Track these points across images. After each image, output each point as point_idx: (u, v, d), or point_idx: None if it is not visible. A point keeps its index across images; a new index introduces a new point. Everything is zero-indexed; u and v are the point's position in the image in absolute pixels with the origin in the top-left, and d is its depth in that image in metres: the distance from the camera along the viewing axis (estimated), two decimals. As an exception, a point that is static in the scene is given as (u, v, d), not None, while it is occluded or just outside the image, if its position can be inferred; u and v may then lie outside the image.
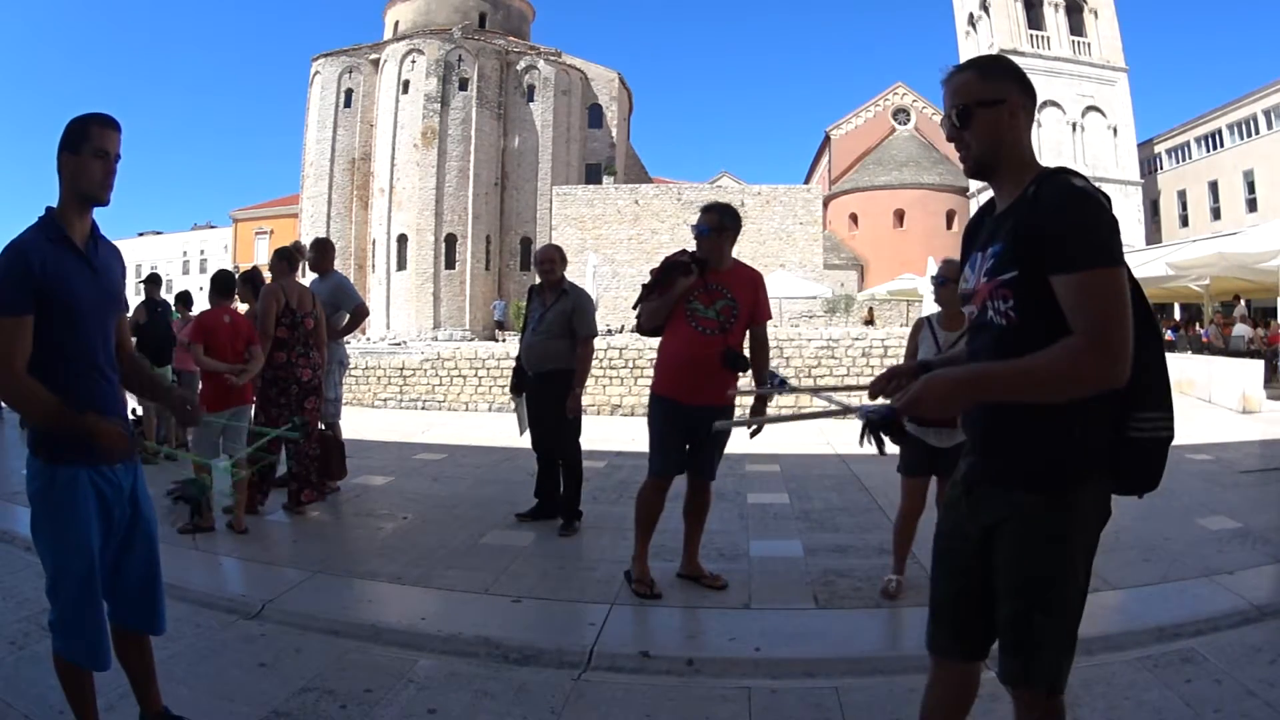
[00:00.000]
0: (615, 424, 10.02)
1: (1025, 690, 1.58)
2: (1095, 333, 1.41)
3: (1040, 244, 1.47)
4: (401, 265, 34.65)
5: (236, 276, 5.42)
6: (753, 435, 3.70)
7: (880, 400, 1.79)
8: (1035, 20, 32.95)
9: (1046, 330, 1.45)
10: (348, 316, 6.04)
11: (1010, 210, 1.59)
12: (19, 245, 1.97)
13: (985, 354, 1.61)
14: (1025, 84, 1.64)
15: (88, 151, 2.02)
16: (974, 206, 40.41)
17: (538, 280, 5.08)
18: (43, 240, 1.99)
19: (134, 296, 8.83)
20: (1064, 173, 1.54)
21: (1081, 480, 1.54)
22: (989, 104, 1.59)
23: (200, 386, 5.21)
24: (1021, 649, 1.56)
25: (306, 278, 5.79)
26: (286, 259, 5.29)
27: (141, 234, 60.31)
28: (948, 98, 1.65)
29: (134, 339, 7.65)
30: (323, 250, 6.02)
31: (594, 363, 10.59)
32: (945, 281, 3.75)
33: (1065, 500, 1.54)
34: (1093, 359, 1.41)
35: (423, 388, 11.81)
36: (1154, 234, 32.32)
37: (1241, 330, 14.72)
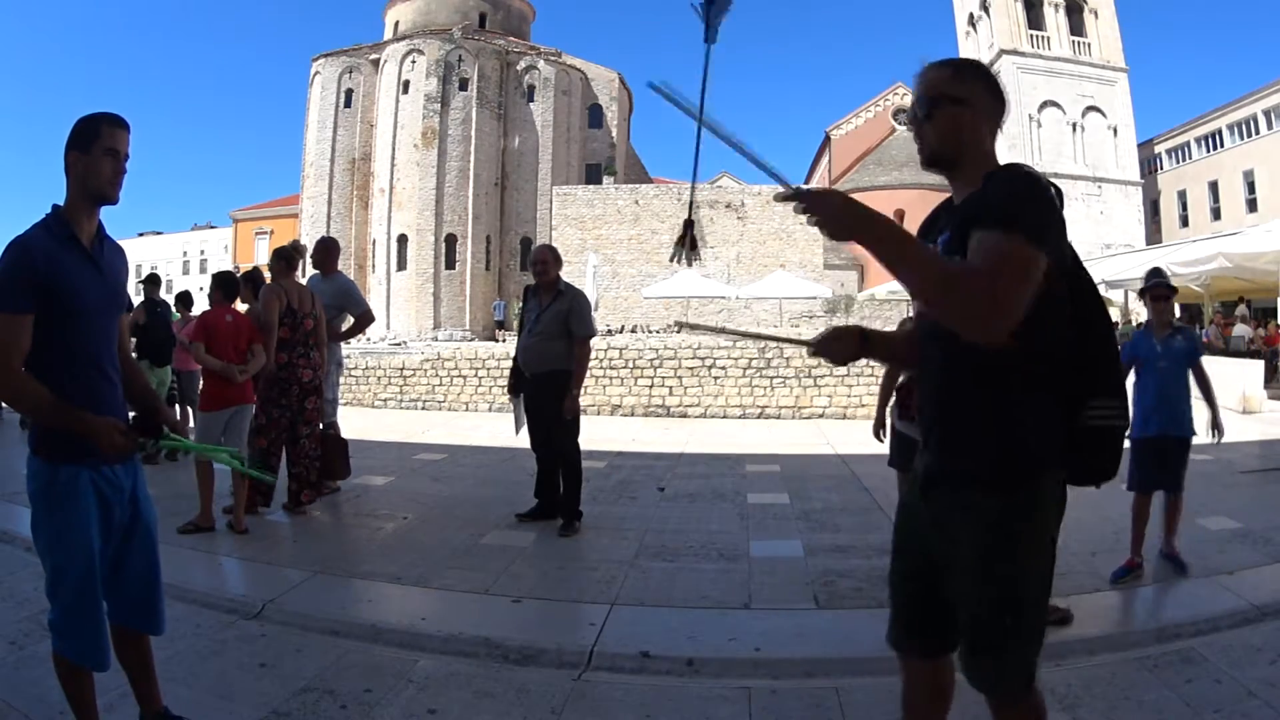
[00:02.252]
0: (616, 424, 10.03)
1: (998, 693, 1.57)
2: (986, 276, 1.39)
3: (973, 217, 1.49)
4: (401, 265, 34.64)
5: (239, 276, 5.42)
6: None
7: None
8: (1035, 20, 32.95)
9: None
10: (350, 320, 6.06)
11: (962, 203, 1.62)
12: (24, 242, 1.96)
13: (928, 338, 1.64)
14: (996, 92, 1.64)
15: (98, 150, 2.00)
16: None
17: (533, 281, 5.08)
18: (49, 238, 1.98)
19: (134, 297, 8.85)
20: (1013, 165, 1.56)
21: (1038, 476, 1.54)
22: (954, 100, 1.60)
23: (201, 386, 5.21)
24: (987, 650, 1.55)
25: (305, 277, 5.79)
26: (286, 259, 5.29)
27: (141, 234, 60.30)
28: (916, 89, 1.67)
29: (133, 339, 7.71)
30: (328, 250, 6.04)
31: (594, 363, 10.62)
32: None
33: (1023, 497, 1.53)
34: (972, 291, 1.39)
35: (423, 388, 11.81)
36: (1154, 234, 32.32)
37: (1241, 330, 14.71)
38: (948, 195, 1.73)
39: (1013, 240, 1.41)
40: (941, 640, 1.69)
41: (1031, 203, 1.46)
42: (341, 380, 6.33)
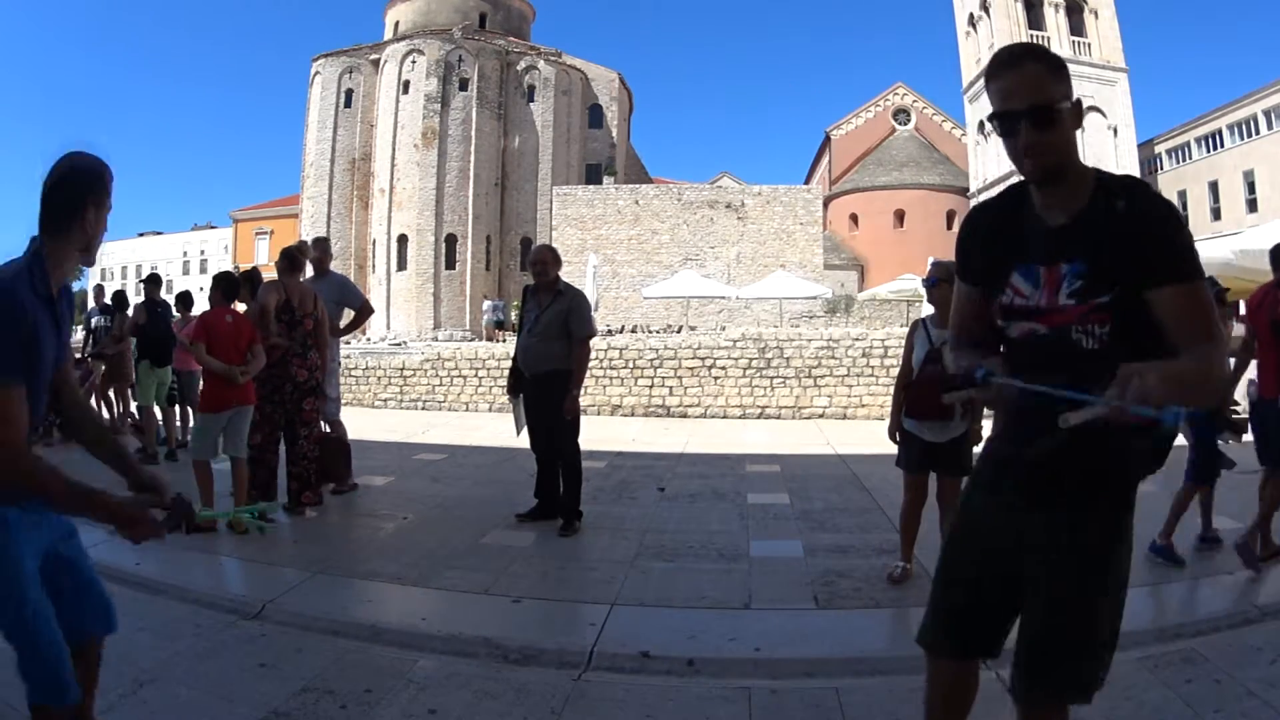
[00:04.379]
0: (616, 424, 10.03)
1: (1075, 700, 1.57)
2: (1214, 336, 1.42)
3: (1144, 261, 1.42)
4: (402, 265, 34.66)
5: (238, 277, 5.43)
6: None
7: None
8: (1035, 20, 32.96)
9: (1132, 352, 1.38)
10: (350, 314, 6.11)
11: (1083, 222, 1.49)
12: (10, 292, 1.69)
13: (1052, 373, 1.45)
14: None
15: (108, 205, 1.86)
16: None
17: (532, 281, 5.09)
18: (30, 293, 1.74)
19: (134, 297, 8.83)
20: (1137, 180, 1.51)
21: (1137, 482, 1.57)
22: (1063, 104, 1.49)
23: (201, 386, 5.22)
24: (1086, 653, 1.55)
25: (305, 277, 5.81)
26: (289, 258, 5.31)
27: (142, 234, 60.46)
28: (1017, 93, 1.48)
29: (133, 339, 7.71)
30: (324, 249, 6.15)
31: (594, 363, 10.62)
32: (936, 282, 3.80)
33: (1128, 502, 1.57)
34: (1220, 359, 1.45)
35: (423, 388, 11.81)
36: (1154, 234, 32.24)
37: (1241, 330, 14.69)
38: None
39: (1201, 288, 1.44)
40: (982, 644, 1.70)
41: (1190, 238, 1.46)
42: (340, 378, 6.35)
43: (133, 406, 8.18)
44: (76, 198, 1.80)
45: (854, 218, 41.25)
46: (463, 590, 3.78)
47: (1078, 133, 1.57)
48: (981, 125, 35.10)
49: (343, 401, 6.31)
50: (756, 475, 6.64)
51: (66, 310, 1.92)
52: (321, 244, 6.20)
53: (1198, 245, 1.52)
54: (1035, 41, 32.16)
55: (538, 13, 43.70)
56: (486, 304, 29.86)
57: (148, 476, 1.91)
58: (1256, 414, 4.35)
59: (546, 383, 4.82)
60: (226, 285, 5.09)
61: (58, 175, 1.83)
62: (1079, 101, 1.53)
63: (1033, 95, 1.47)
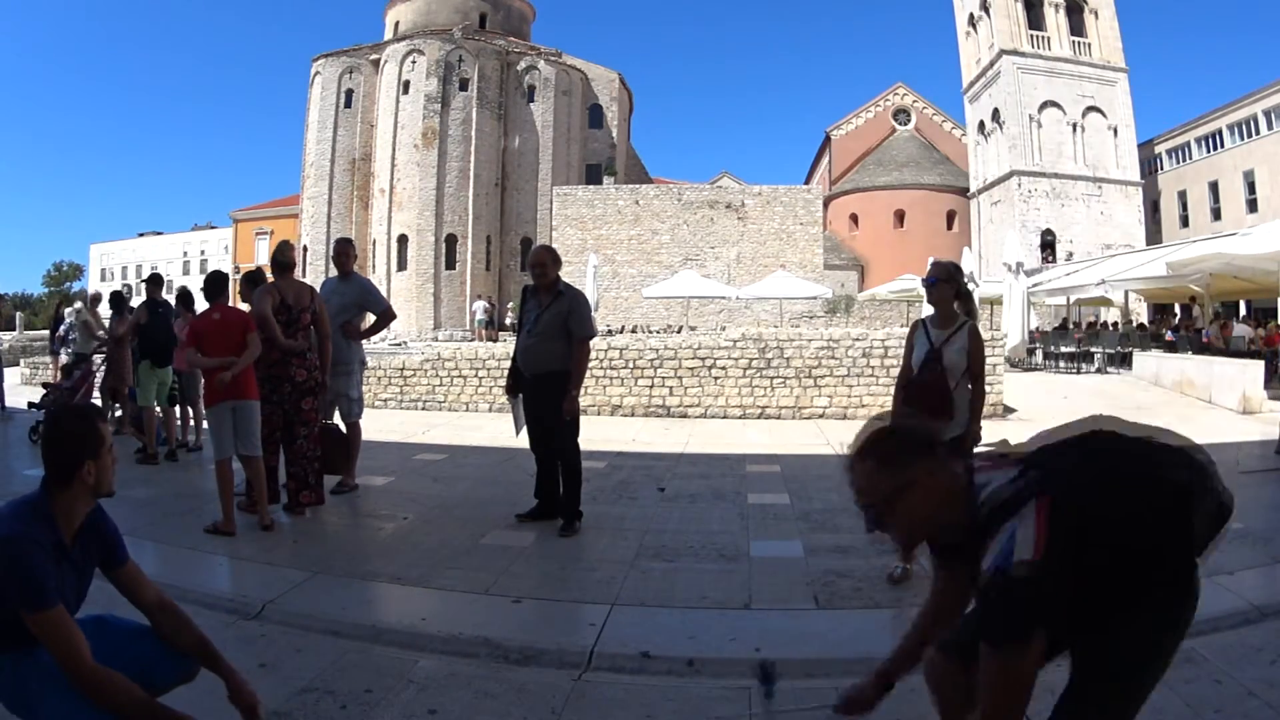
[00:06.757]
0: (616, 424, 10.02)
1: None
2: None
3: None
4: (402, 266, 34.64)
5: (240, 276, 5.48)
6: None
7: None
8: (1035, 20, 32.96)
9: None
10: (372, 318, 6.10)
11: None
12: (25, 538, 1.86)
13: None
14: (930, 443, 1.59)
15: (104, 451, 2.01)
16: (975, 207, 39.71)
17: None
18: (45, 540, 1.90)
19: (135, 297, 8.81)
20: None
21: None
22: (900, 492, 1.54)
23: (203, 384, 5.25)
24: None
25: (305, 276, 5.84)
26: (276, 262, 5.48)
27: (142, 234, 60.56)
28: (856, 494, 1.59)
29: (135, 339, 7.70)
30: (346, 252, 6.14)
31: (594, 363, 10.61)
32: (935, 282, 3.80)
33: (1169, 622, 1.60)
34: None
35: (423, 388, 11.80)
36: (1154, 234, 32.32)
37: (1241, 330, 14.70)
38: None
39: (994, 659, 1.52)
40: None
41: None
42: (364, 377, 6.30)
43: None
44: (73, 459, 1.96)
45: (854, 218, 41.26)
46: (463, 590, 3.78)
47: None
48: (981, 126, 35.12)
49: (364, 403, 6.27)
50: (756, 475, 6.64)
51: (88, 552, 2.04)
52: (345, 246, 6.20)
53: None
54: (1037, 41, 32.13)
55: (538, 13, 43.80)
56: (477, 304, 29.79)
57: (247, 695, 2.11)
58: None
59: (546, 383, 4.82)
60: (210, 285, 5.20)
61: (52, 436, 2.00)
62: (923, 468, 1.55)
63: (864, 498, 1.58)
